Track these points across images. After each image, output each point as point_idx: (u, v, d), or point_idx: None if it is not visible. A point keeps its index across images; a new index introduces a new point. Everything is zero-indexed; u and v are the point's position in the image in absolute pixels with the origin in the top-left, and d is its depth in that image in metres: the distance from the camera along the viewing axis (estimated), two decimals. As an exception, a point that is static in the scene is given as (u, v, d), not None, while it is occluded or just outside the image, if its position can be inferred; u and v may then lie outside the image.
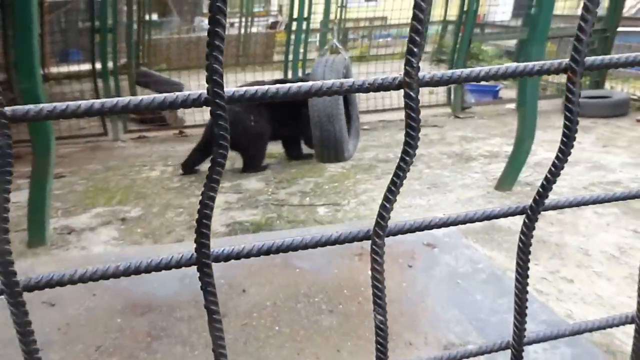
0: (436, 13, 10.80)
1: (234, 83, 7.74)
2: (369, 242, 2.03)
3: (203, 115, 7.96)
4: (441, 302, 1.88)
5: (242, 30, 13.16)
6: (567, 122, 0.47)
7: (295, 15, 7.18)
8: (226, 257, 0.47)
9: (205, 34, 0.40)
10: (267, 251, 0.49)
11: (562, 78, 9.00)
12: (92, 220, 4.45)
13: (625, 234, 3.91)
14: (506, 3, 12.83)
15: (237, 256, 0.48)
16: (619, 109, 7.44)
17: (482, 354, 0.47)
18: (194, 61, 11.65)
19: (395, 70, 8.01)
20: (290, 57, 7.83)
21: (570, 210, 4.28)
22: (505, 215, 0.55)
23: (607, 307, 3.08)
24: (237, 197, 4.93)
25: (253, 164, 5.86)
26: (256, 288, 2.08)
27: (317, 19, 9.91)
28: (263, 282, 2.12)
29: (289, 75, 7.70)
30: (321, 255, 2.41)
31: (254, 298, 2.00)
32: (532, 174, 5.27)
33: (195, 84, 8.56)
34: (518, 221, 4.17)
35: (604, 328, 0.51)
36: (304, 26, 7.24)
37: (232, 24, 14.68)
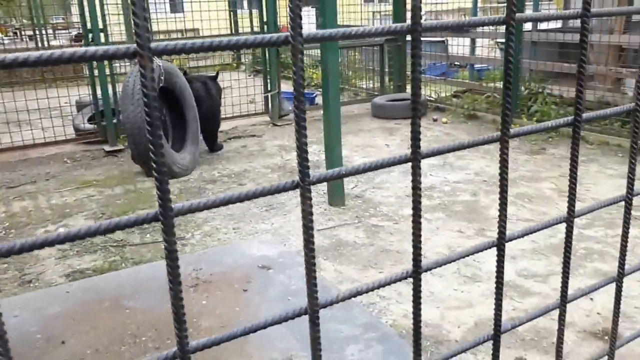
0: (244, 24, 11.01)
1: (39, 101, 7.21)
2: (205, 273, 2.00)
3: (12, 137, 7.28)
4: (270, 321, 1.90)
5: (41, 43, 12.20)
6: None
7: (89, 27, 6.91)
8: (187, 210, 0.45)
9: None
10: (227, 201, 0.48)
11: (372, 83, 9.74)
12: None
13: (452, 235, 4.28)
14: (308, 15, 13.47)
15: (197, 208, 0.45)
16: None
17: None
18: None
19: (219, 80, 8.07)
20: (96, 72, 7.36)
21: (405, 221, 4.58)
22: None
23: (436, 302, 3.34)
24: (70, 243, 4.56)
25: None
26: (78, 337, 1.94)
27: (117, 31, 9.61)
28: (87, 330, 1.99)
29: (98, 92, 7.31)
30: (154, 292, 2.32)
31: (74, 348, 1.86)
32: (357, 184, 5.54)
33: None
34: (362, 235, 4.38)
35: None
36: (102, 38, 7.01)
37: (30, 37, 13.41)
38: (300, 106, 0.44)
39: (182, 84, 6.12)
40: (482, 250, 0.64)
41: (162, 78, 5.35)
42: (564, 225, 3.02)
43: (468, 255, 0.63)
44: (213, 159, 6.60)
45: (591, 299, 3.31)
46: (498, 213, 0.63)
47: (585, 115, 0.69)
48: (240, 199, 0.46)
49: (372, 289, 0.56)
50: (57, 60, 0.37)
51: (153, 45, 0.39)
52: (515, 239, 0.66)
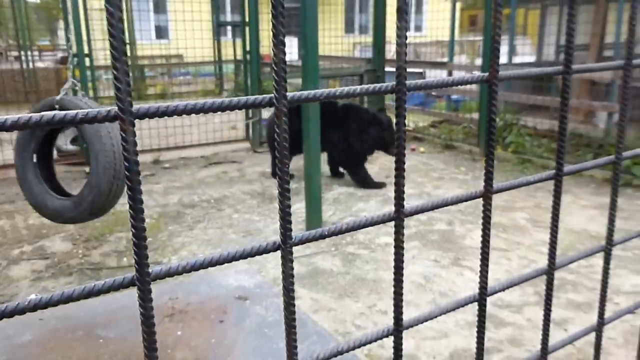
0: (227, 52, 10.96)
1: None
2: (181, 302, 1.93)
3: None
4: (246, 354, 1.86)
5: (26, 65, 12.06)
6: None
7: (74, 51, 7.01)
8: (165, 274, 0.44)
9: None
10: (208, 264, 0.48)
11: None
12: None
13: (428, 264, 4.28)
14: (290, 45, 13.51)
15: (177, 272, 0.45)
16: None
17: None
18: None
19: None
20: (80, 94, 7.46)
21: (381, 249, 4.57)
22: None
23: (412, 332, 3.32)
24: (45, 264, 4.46)
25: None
26: (49, 368, 1.87)
27: (102, 55, 9.60)
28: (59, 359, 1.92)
29: None
30: (129, 321, 2.25)
31: (45, 380, 1.79)
32: (335, 213, 5.52)
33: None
34: (339, 263, 4.36)
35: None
36: (87, 63, 7.09)
37: (16, 58, 13.41)
38: (284, 169, 0.43)
39: None
40: (456, 308, 0.63)
41: None
42: (537, 255, 3.05)
43: (444, 313, 0.62)
44: (194, 184, 6.54)
45: (565, 329, 3.32)
46: (479, 269, 0.62)
47: (565, 169, 0.69)
48: (220, 261, 0.44)
49: (353, 348, 0.54)
50: (47, 122, 0.36)
51: (134, 108, 0.38)
52: (496, 293, 0.65)
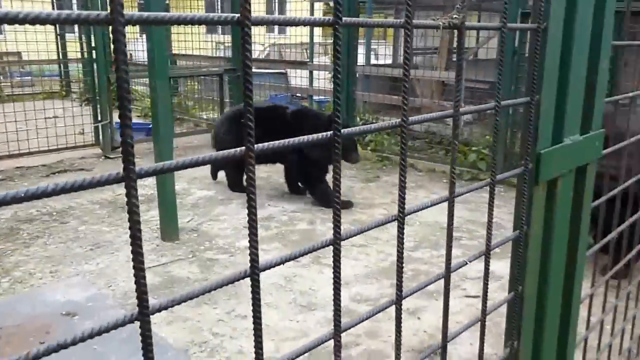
0: (74, 49, 10.04)
1: None
2: None
3: None
4: (69, 375, 1.68)
5: None
6: None
7: None
8: None
9: None
10: None
11: (213, 113, 9.67)
12: None
13: (288, 264, 4.28)
14: (144, 43, 12.91)
15: None
16: None
17: None
18: None
19: (39, 108, 7.44)
20: None
21: (241, 253, 4.50)
22: None
23: (272, 334, 3.29)
24: None
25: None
26: None
27: None
28: None
29: None
30: None
31: None
32: (193, 218, 5.34)
33: None
34: (197, 270, 4.21)
35: None
36: None
37: None
38: None
39: None
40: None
41: None
42: (394, 249, 3.10)
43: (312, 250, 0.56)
44: (32, 194, 5.95)
45: (418, 317, 3.48)
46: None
47: (411, 118, 0.75)
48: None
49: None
50: None
51: None
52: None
